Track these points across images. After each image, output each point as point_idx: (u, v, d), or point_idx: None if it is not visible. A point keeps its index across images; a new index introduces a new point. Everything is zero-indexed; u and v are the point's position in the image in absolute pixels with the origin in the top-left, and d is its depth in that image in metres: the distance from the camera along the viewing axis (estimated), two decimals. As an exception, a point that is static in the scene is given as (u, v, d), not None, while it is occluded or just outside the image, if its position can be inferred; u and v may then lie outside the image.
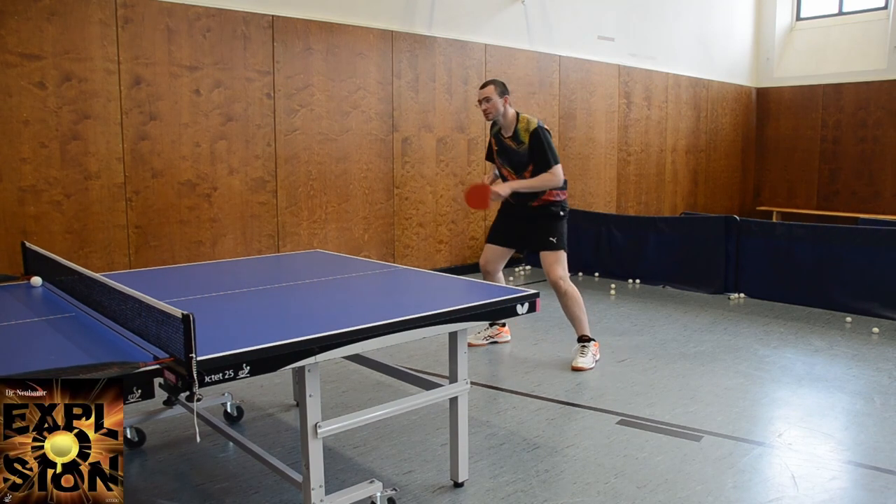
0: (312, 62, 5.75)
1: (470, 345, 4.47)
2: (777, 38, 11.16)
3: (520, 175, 4.08)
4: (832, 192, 10.64)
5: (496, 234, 4.33)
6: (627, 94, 8.87)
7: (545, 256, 4.08)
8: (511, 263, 7.47)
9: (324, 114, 5.86)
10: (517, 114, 4.07)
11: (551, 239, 4.06)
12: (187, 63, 5.06)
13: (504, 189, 3.93)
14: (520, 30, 7.46)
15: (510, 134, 4.08)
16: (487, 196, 3.92)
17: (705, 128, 10.35)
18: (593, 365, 4.10)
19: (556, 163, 3.97)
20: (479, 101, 4.08)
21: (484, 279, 4.36)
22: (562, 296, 4.10)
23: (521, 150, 4.03)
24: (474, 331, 4.55)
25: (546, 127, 4.06)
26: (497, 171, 4.31)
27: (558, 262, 4.06)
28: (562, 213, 4.11)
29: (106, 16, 4.68)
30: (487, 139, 4.26)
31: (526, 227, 4.17)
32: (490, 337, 4.60)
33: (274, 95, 5.54)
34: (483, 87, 4.08)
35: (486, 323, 4.53)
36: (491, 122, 4.21)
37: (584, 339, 4.16)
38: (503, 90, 4.06)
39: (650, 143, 9.34)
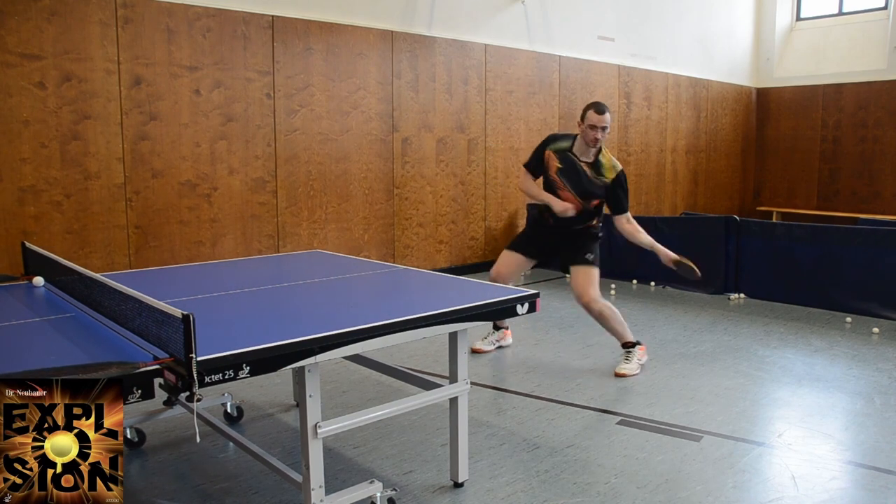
0: (312, 62, 5.75)
1: (477, 351, 4.40)
2: (777, 39, 11.16)
3: (585, 201, 4.03)
4: (832, 192, 10.64)
5: (522, 243, 4.24)
6: (627, 94, 8.87)
7: (578, 274, 4.01)
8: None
9: (324, 114, 5.86)
10: (601, 146, 4.05)
11: (588, 256, 4.02)
12: (187, 63, 5.06)
13: (668, 255, 4.03)
14: (520, 30, 7.46)
15: (589, 160, 4.00)
16: (693, 265, 3.92)
17: (705, 128, 10.35)
18: (638, 371, 3.99)
19: (628, 210, 4.11)
20: (596, 127, 3.89)
21: None
22: (597, 317, 4.03)
23: (599, 182, 4.00)
24: (479, 336, 4.48)
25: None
26: (546, 185, 4.15)
27: (591, 283, 3.99)
28: (600, 234, 4.19)
29: (106, 16, 4.68)
30: (537, 149, 4.15)
31: (562, 244, 4.15)
32: (497, 341, 4.50)
33: (274, 95, 5.54)
34: (604, 112, 3.91)
35: (490, 328, 4.51)
36: (554, 137, 4.14)
37: (627, 346, 4.07)
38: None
39: (650, 143, 9.34)
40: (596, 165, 4.00)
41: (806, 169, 10.88)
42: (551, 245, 4.21)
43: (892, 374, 3.95)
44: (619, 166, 4.05)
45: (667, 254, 4.02)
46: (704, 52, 10.14)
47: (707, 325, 5.07)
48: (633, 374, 3.97)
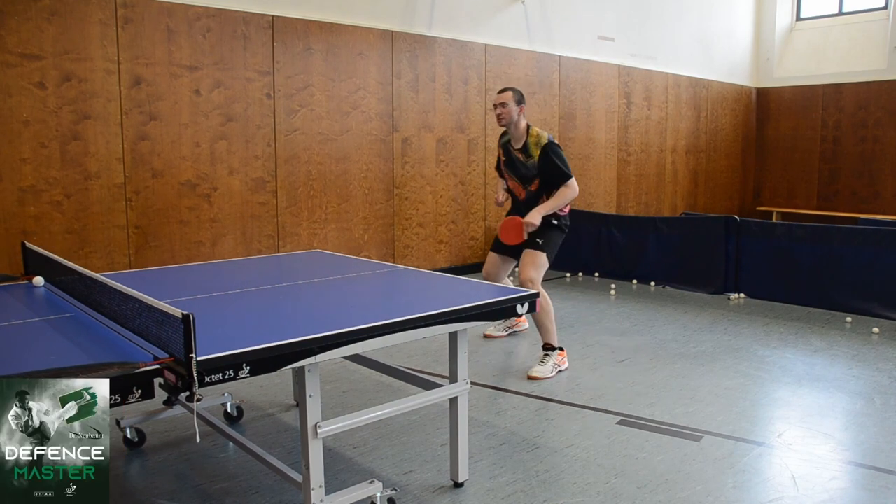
0: (312, 62, 5.75)
1: (489, 336, 4.55)
2: (777, 39, 11.16)
3: (525, 187, 4.08)
4: (832, 192, 10.64)
5: (496, 242, 4.29)
6: (627, 95, 8.87)
7: (525, 255, 4.00)
8: (511, 263, 7.47)
9: (324, 114, 5.86)
10: (528, 126, 4.04)
11: (538, 240, 3.99)
12: (187, 63, 5.06)
13: (535, 219, 3.89)
14: (520, 30, 7.46)
15: (519, 146, 4.05)
16: (521, 229, 3.94)
17: (705, 128, 10.35)
18: (552, 374, 3.94)
19: (571, 176, 3.95)
20: (495, 106, 4.04)
21: None
22: None
23: (530, 163, 4.02)
24: (492, 323, 4.54)
25: (556, 142, 4.02)
26: (504, 184, 4.27)
27: (534, 265, 3.95)
28: (555, 221, 4.05)
29: (106, 16, 4.68)
30: (497, 152, 4.28)
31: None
32: (509, 328, 4.63)
33: (274, 95, 5.54)
34: (501, 91, 4.06)
35: None
36: (501, 134, 4.20)
37: (547, 348, 4.03)
38: (520, 99, 4.03)
39: (650, 143, 9.34)
40: (524, 148, 4.04)
41: (806, 169, 10.89)
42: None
43: (892, 374, 3.95)
44: (545, 140, 3.98)
45: (529, 215, 3.90)
46: (704, 52, 10.14)
47: (707, 325, 5.07)
48: (547, 378, 3.91)
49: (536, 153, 3.98)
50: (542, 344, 4.08)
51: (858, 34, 10.41)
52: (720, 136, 10.68)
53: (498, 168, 4.31)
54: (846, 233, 5.53)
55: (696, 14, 9.94)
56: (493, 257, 4.29)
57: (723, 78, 10.55)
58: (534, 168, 4.00)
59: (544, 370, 3.94)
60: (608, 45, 8.54)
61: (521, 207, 4.11)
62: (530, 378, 3.90)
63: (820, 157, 10.73)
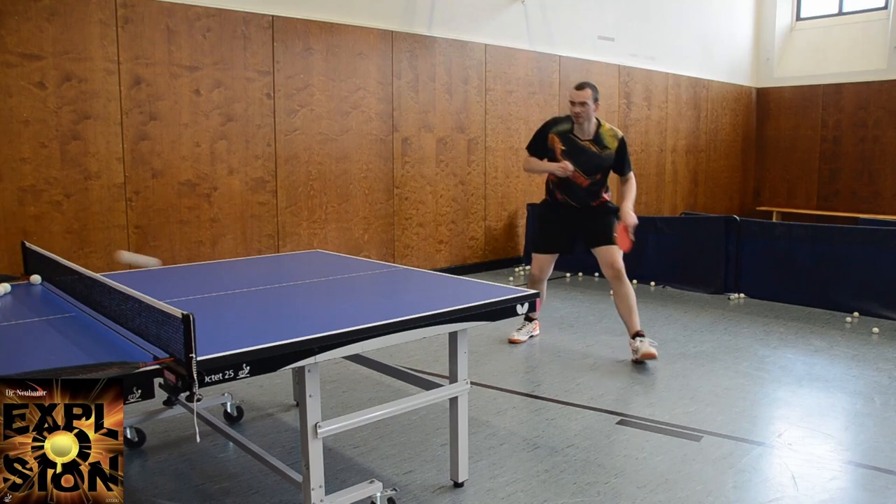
0: (312, 62, 5.75)
1: (514, 341, 4.60)
2: (777, 38, 11.16)
3: (590, 177, 4.19)
4: (832, 192, 10.64)
5: (550, 243, 4.41)
6: (627, 94, 8.87)
7: (605, 251, 4.22)
8: (511, 263, 7.48)
9: (324, 114, 5.86)
10: (598, 120, 4.19)
11: (613, 235, 4.23)
12: (187, 63, 5.06)
13: (634, 218, 4.09)
14: (520, 30, 7.46)
15: (590, 137, 4.16)
16: (627, 233, 4.11)
17: (705, 128, 10.34)
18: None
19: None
20: (574, 103, 4.09)
21: (532, 286, 4.41)
22: (622, 286, 4.18)
23: (605, 154, 4.16)
24: (514, 327, 4.67)
25: None
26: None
27: (619, 254, 4.22)
28: (615, 207, 4.30)
29: (106, 16, 4.68)
30: (539, 132, 4.31)
31: (586, 226, 4.30)
32: (530, 332, 4.72)
33: (274, 95, 5.54)
34: (580, 88, 4.10)
35: (523, 319, 4.67)
36: (550, 121, 4.29)
37: (639, 335, 4.17)
38: (596, 97, 4.13)
39: (650, 143, 9.34)
40: (598, 140, 4.16)
41: (806, 169, 10.88)
42: (571, 229, 4.34)
43: (892, 374, 3.95)
44: (620, 133, 4.21)
45: (626, 216, 4.10)
46: (704, 52, 10.14)
47: (707, 325, 5.07)
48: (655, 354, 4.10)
49: (614, 145, 4.16)
50: (632, 333, 4.25)
51: (858, 34, 10.41)
52: (720, 135, 10.68)
53: (536, 151, 4.29)
54: (846, 233, 5.52)
55: (696, 14, 9.93)
56: (541, 259, 4.42)
57: (723, 78, 10.55)
58: (609, 159, 4.17)
59: (649, 348, 4.11)
60: (608, 45, 8.54)
61: (581, 194, 4.25)
62: (646, 357, 4.07)
63: (820, 157, 10.72)
